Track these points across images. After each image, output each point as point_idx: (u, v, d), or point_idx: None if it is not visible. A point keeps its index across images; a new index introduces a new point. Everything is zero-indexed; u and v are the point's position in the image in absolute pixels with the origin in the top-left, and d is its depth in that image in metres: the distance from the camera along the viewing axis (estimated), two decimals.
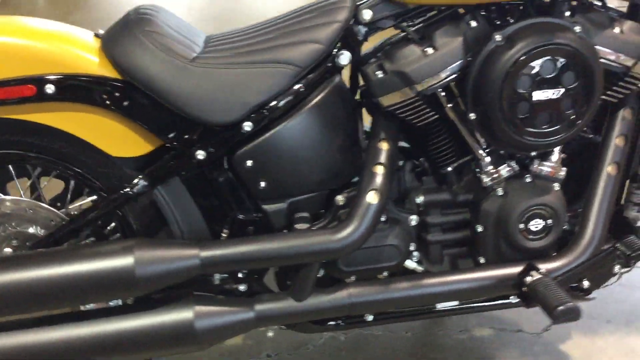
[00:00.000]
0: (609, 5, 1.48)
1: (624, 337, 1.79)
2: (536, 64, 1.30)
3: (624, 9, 1.48)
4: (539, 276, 1.34)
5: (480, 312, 1.76)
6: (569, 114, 1.33)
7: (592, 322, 1.83)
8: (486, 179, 1.44)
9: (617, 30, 1.39)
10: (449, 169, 1.48)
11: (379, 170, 1.38)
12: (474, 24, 1.36)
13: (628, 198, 1.53)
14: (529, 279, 1.35)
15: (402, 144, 1.52)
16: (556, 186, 1.44)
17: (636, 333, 1.80)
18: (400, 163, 1.49)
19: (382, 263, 1.44)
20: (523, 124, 1.33)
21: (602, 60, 1.38)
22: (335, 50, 1.39)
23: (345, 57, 1.39)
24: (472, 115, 1.36)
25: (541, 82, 1.31)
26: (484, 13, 1.38)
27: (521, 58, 1.29)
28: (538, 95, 1.31)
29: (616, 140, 1.46)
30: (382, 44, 1.43)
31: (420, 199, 1.46)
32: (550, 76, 1.30)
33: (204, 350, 1.40)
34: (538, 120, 1.33)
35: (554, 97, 1.31)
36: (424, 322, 1.87)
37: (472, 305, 1.53)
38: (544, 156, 1.45)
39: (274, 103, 1.35)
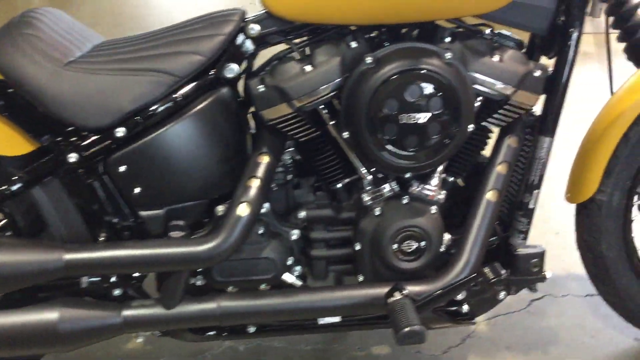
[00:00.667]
0: (507, 33, 1.49)
1: None
2: (402, 88, 1.30)
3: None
4: (400, 297, 1.34)
5: (377, 329, 1.75)
6: (437, 139, 1.34)
7: (492, 347, 1.83)
8: (367, 198, 1.44)
9: (496, 58, 1.40)
10: (339, 185, 1.49)
11: (254, 183, 1.39)
12: (354, 44, 1.37)
13: (513, 226, 1.53)
14: (391, 299, 1.35)
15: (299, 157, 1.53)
16: (433, 209, 1.44)
17: None
18: (289, 177, 1.50)
19: (257, 275, 1.45)
20: (390, 145, 1.34)
21: (478, 87, 1.38)
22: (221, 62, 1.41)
23: (231, 70, 1.40)
24: (346, 134, 1.37)
25: (407, 106, 1.31)
26: (367, 35, 1.40)
27: (386, 81, 1.30)
28: (404, 118, 1.32)
29: (499, 167, 1.46)
30: (271, 59, 1.45)
31: (302, 214, 1.47)
32: (415, 100, 1.31)
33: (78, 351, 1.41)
34: (405, 143, 1.33)
35: (421, 121, 1.32)
36: (326, 337, 1.87)
37: (353, 322, 1.53)
38: (424, 179, 1.46)
39: (149, 110, 1.36)
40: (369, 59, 1.32)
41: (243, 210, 1.37)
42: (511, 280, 1.50)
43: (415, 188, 1.45)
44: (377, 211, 1.44)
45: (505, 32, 1.49)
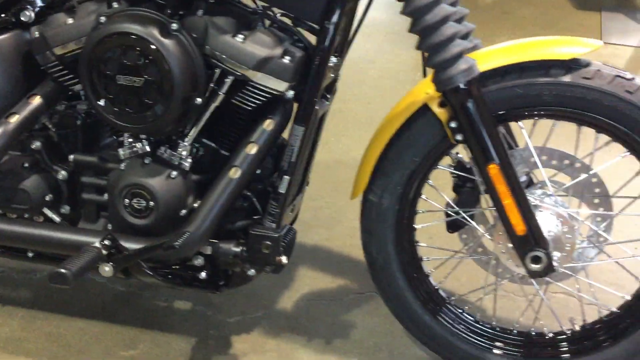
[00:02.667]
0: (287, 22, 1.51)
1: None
2: (118, 49, 1.38)
3: None
4: (97, 244, 1.43)
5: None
6: (153, 104, 1.40)
7: (285, 326, 1.85)
8: (121, 152, 1.53)
9: (239, 38, 1.42)
10: (116, 137, 1.59)
11: (12, 119, 1.53)
12: (115, 4, 1.45)
13: (266, 208, 1.55)
14: (92, 245, 1.44)
15: None
16: (173, 174, 1.50)
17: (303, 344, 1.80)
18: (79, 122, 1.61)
19: (16, 204, 1.59)
20: (111, 104, 1.41)
21: (217, 62, 1.43)
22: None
23: (25, 14, 1.54)
24: (79, 87, 1.46)
25: (122, 67, 1.39)
26: None
27: (104, 40, 1.38)
28: (121, 79, 1.39)
29: (247, 147, 1.49)
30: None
31: (71, 157, 1.59)
32: (130, 63, 1.38)
33: None
34: (123, 104, 1.41)
35: (137, 84, 1.38)
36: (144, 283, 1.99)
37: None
38: (175, 144, 1.52)
39: None
40: (102, 18, 1.40)
41: None
42: (246, 258, 1.53)
43: (161, 151, 1.51)
44: (122, 166, 1.53)
45: (287, 21, 1.51)
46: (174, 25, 1.38)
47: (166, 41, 1.37)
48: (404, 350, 1.77)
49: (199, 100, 1.43)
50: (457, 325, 1.64)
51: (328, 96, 1.62)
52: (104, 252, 1.43)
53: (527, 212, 1.43)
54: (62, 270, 1.34)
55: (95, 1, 1.49)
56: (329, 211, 2.32)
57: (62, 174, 1.60)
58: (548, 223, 1.49)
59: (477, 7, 4.28)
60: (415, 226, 1.64)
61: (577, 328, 1.63)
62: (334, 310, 1.92)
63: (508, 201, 1.42)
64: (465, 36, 1.43)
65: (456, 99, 1.39)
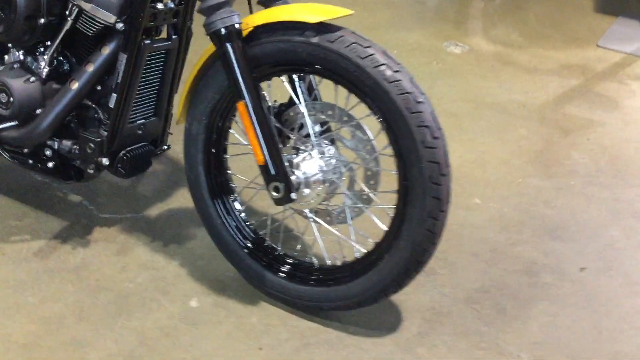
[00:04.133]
0: None
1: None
2: None
3: None
4: None
5: None
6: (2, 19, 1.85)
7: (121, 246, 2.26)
8: (6, 57, 2.00)
9: None
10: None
11: None
12: None
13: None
14: None
15: None
16: (32, 78, 1.93)
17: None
18: None
19: None
20: None
21: None
22: None
23: None
24: None
25: None
26: None
27: None
28: None
29: (85, 65, 1.89)
30: None
31: None
32: None
33: None
34: None
35: None
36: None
37: None
38: (38, 54, 1.96)
39: None
40: None
41: None
42: (76, 155, 1.96)
43: (26, 59, 1.96)
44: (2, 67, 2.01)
45: None
46: None
47: None
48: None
49: (42, 20, 1.85)
50: (244, 241, 1.97)
51: (174, 36, 1.95)
52: None
53: (269, 146, 1.72)
54: None
55: None
56: None
57: None
58: (309, 166, 1.79)
59: None
60: (226, 155, 1.97)
61: (339, 263, 1.91)
62: (179, 222, 2.30)
63: (251, 134, 1.72)
64: None
65: (218, 42, 1.72)
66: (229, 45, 1.70)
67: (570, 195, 2.54)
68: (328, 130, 1.89)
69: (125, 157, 1.96)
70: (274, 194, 1.75)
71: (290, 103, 1.87)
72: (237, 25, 1.71)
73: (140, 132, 2.02)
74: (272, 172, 1.73)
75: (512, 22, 4.08)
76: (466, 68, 3.52)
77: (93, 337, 1.82)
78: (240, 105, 1.72)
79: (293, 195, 1.75)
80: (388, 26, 3.90)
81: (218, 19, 1.69)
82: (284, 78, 1.87)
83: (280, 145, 1.78)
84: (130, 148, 1.97)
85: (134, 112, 1.95)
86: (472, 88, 3.30)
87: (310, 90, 1.92)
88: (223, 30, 1.70)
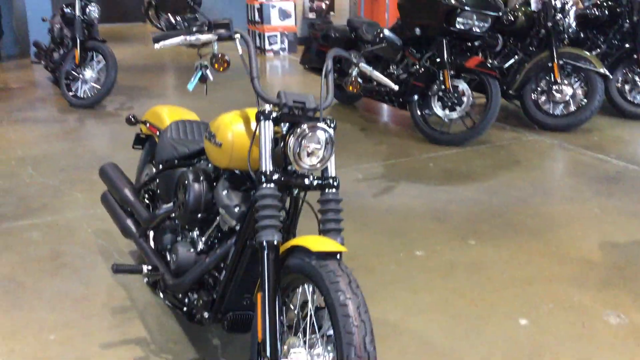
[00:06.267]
0: None
1: None
2: None
3: None
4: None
5: None
6: None
7: None
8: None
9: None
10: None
11: None
12: None
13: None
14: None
15: None
16: (191, 249, 2.52)
17: None
18: None
19: None
20: None
21: None
22: None
23: None
24: None
25: None
26: None
27: None
28: None
29: (219, 248, 2.40)
30: None
31: None
32: None
33: None
34: None
35: None
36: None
37: None
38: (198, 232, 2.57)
39: None
40: None
41: None
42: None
43: (192, 236, 2.59)
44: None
45: None
46: None
47: None
48: None
49: (199, 215, 2.45)
50: None
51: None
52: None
53: (271, 329, 2.00)
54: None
55: None
56: None
57: None
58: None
59: None
60: None
61: None
62: None
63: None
64: None
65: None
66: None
67: None
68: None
69: (229, 317, 2.43)
70: None
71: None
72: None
73: (244, 302, 2.44)
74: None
75: None
76: None
77: None
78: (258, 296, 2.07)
79: None
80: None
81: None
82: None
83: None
84: (237, 312, 2.44)
85: (239, 287, 2.39)
86: None
87: None
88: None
